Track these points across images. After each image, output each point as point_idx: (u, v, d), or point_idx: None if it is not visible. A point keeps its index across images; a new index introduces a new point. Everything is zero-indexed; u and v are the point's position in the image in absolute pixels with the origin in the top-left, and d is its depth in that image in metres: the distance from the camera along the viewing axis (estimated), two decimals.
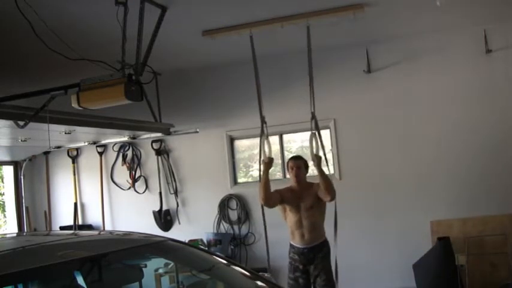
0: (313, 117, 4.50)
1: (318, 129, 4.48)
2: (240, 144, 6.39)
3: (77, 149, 6.81)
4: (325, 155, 4.46)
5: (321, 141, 4.46)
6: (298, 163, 4.50)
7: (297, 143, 6.24)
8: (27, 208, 6.83)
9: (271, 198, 4.44)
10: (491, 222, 5.40)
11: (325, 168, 4.43)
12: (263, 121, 4.61)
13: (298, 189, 4.49)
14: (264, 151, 4.52)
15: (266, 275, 4.19)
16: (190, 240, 5.78)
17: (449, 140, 5.59)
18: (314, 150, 4.42)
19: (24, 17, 3.37)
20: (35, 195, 6.99)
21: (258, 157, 4.59)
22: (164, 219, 6.47)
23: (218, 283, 3.09)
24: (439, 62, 5.63)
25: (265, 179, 4.40)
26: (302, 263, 4.41)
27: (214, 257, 3.20)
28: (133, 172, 6.62)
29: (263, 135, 4.57)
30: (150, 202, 6.52)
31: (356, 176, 5.81)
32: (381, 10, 4.52)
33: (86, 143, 6.14)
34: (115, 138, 6.17)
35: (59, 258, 2.38)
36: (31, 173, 6.95)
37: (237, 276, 2.90)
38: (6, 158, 6.68)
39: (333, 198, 4.35)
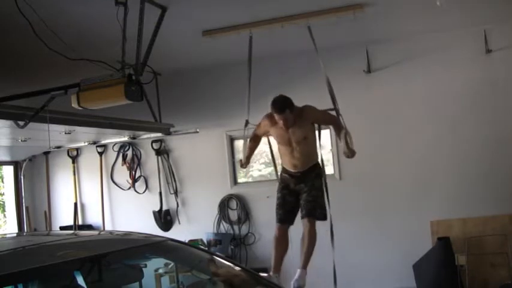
0: (338, 114, 4.43)
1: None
2: (240, 144, 6.38)
3: (77, 149, 6.81)
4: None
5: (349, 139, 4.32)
6: (285, 116, 4.14)
7: None
8: (27, 208, 6.83)
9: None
10: (491, 222, 5.40)
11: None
12: (246, 124, 4.56)
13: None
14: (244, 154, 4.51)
15: (266, 275, 4.20)
16: (190, 240, 5.78)
17: (449, 140, 5.59)
18: (348, 142, 4.28)
19: (24, 17, 3.37)
20: (35, 195, 6.99)
21: (242, 158, 4.58)
22: (164, 219, 6.47)
23: (218, 283, 3.09)
24: (439, 62, 5.62)
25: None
26: (294, 183, 4.36)
27: (214, 257, 3.21)
28: (133, 172, 6.62)
29: (246, 138, 4.53)
30: (150, 202, 6.52)
31: (356, 176, 5.80)
32: (380, 10, 4.52)
33: (86, 143, 6.14)
34: (115, 138, 6.18)
35: (59, 258, 2.38)
36: (31, 173, 6.95)
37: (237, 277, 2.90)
38: (6, 158, 6.68)
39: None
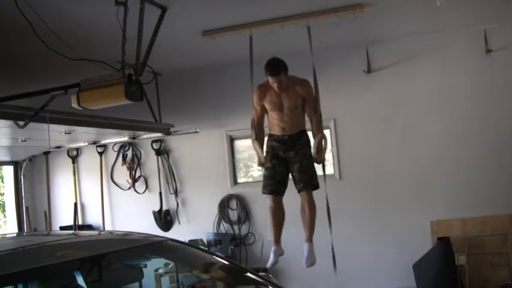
0: (320, 117, 4.38)
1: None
2: (240, 144, 6.39)
3: (77, 149, 6.81)
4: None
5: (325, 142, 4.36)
6: (279, 79, 4.12)
7: None
8: (27, 208, 6.83)
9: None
10: (491, 222, 5.40)
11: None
12: (253, 124, 4.48)
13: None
14: (258, 154, 4.43)
15: (265, 274, 4.20)
16: (190, 240, 5.78)
17: (449, 140, 5.59)
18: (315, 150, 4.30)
19: (24, 17, 3.37)
20: (35, 195, 6.99)
21: (256, 159, 4.52)
22: (164, 219, 6.47)
23: (218, 283, 3.09)
24: (439, 62, 5.63)
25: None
26: (282, 150, 4.30)
27: (214, 257, 3.21)
28: (134, 172, 6.62)
29: (253, 138, 4.45)
30: (150, 202, 6.52)
31: (356, 176, 5.81)
32: (380, 10, 4.52)
33: (86, 143, 6.14)
34: (115, 138, 6.17)
35: (59, 258, 2.38)
36: (31, 173, 6.95)
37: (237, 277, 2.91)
38: (6, 158, 6.68)
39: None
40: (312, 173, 4.28)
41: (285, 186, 4.35)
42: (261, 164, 4.42)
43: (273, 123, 4.38)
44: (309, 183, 4.25)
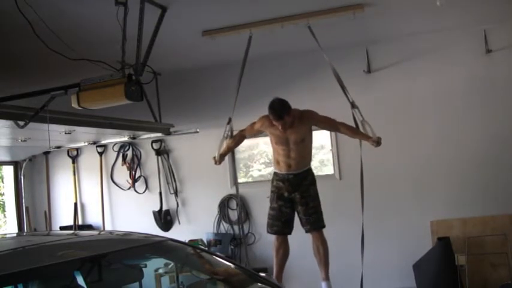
0: (354, 106, 4.44)
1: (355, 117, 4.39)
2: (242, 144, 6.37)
3: (77, 149, 6.80)
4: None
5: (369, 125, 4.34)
6: (284, 122, 4.19)
7: None
8: (27, 208, 6.83)
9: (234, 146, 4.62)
10: (491, 222, 5.40)
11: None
12: (229, 122, 4.57)
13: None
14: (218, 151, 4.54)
15: (264, 274, 4.20)
16: (190, 240, 5.78)
17: (449, 140, 5.59)
18: (370, 133, 4.29)
19: (24, 17, 3.37)
20: (35, 195, 6.98)
21: (216, 154, 4.63)
22: (164, 219, 6.47)
23: (218, 283, 3.09)
24: (439, 62, 5.62)
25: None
26: (287, 190, 4.34)
27: (214, 257, 3.21)
28: (134, 172, 6.61)
29: (225, 135, 4.55)
30: (150, 202, 6.52)
31: (356, 176, 5.73)
32: (380, 10, 4.52)
33: (86, 143, 6.14)
34: (115, 138, 6.17)
35: (59, 258, 2.38)
36: (31, 173, 6.95)
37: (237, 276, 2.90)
38: (6, 158, 6.68)
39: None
40: (318, 215, 4.34)
41: (291, 227, 4.41)
42: (215, 162, 4.58)
43: (278, 160, 4.41)
44: (316, 225, 4.33)
